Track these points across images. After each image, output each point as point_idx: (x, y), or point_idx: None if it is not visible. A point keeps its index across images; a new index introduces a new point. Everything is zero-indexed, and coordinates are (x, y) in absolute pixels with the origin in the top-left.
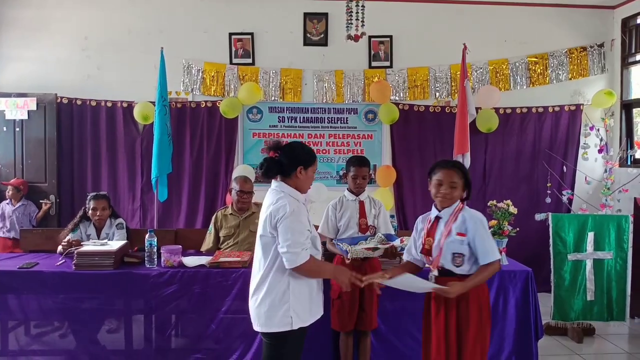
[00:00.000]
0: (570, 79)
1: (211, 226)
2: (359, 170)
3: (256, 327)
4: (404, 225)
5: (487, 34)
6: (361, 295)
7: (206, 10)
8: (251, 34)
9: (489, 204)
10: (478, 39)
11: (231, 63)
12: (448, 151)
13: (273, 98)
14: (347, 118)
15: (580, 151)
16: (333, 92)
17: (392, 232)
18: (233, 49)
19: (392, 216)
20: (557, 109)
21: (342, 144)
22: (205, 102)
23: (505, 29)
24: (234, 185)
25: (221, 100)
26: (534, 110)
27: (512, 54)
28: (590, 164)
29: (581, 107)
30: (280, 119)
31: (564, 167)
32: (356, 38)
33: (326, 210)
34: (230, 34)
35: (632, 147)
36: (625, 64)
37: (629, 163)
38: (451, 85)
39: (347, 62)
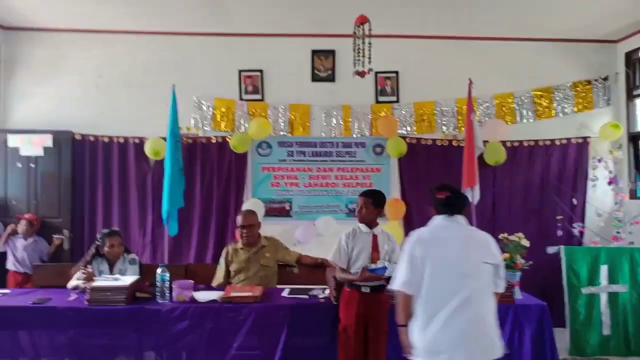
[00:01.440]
0: (576, 112)
1: (222, 260)
2: (359, 199)
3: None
4: None
5: (492, 69)
6: (366, 332)
7: (216, 48)
8: (260, 70)
9: (499, 236)
10: (483, 74)
11: (241, 99)
12: (456, 184)
13: (282, 133)
14: (355, 152)
15: (590, 184)
16: (341, 127)
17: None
18: (243, 85)
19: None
20: (564, 141)
21: (351, 178)
22: (216, 137)
23: (510, 64)
24: (237, 220)
25: (231, 136)
26: (541, 143)
27: (517, 87)
28: (600, 196)
29: (588, 139)
30: (289, 153)
31: (574, 200)
32: (363, 74)
33: (339, 239)
34: (240, 71)
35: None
36: (630, 96)
37: (638, 195)
38: (457, 119)
39: (355, 97)
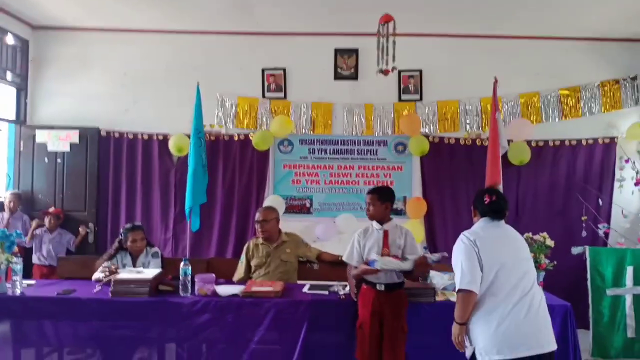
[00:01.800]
0: (604, 111)
1: (243, 256)
2: (366, 198)
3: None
4: None
5: (517, 68)
6: (381, 328)
7: (240, 46)
8: (283, 69)
9: (524, 236)
10: (508, 73)
11: (263, 97)
12: (479, 183)
13: (304, 131)
14: (376, 150)
15: (616, 184)
16: (363, 125)
17: (435, 255)
18: (265, 83)
19: (425, 248)
20: (590, 141)
21: (372, 175)
22: (238, 134)
23: (536, 63)
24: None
25: (254, 133)
26: (567, 142)
27: (543, 87)
28: (627, 197)
29: (615, 139)
30: (311, 150)
31: (600, 200)
32: (387, 72)
33: (352, 238)
34: (263, 69)
35: None
36: None
37: None
38: (482, 118)
39: (377, 95)
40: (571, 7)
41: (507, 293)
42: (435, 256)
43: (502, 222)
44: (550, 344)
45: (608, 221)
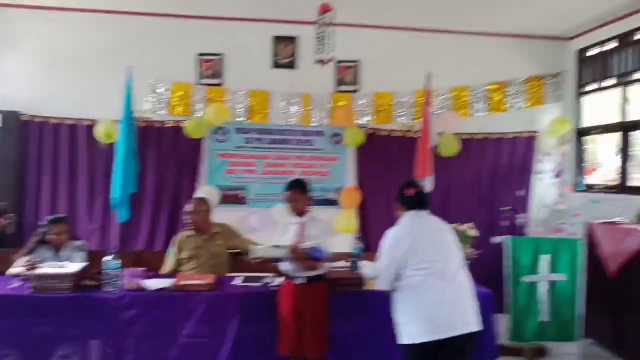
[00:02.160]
0: (527, 106)
1: (172, 248)
2: (285, 194)
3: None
4: (367, 247)
5: (450, 61)
6: (303, 317)
7: (175, 30)
8: (220, 54)
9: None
10: (442, 66)
11: (199, 83)
12: (411, 174)
13: (240, 119)
14: (313, 140)
15: (536, 177)
16: (300, 115)
17: (323, 248)
18: (201, 69)
19: (359, 238)
20: (514, 135)
21: (309, 166)
22: (171, 121)
23: (468, 57)
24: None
25: (187, 120)
26: (492, 136)
27: (472, 81)
28: (545, 189)
29: (537, 134)
30: (247, 140)
31: (520, 192)
32: (325, 62)
33: (274, 233)
34: (199, 55)
35: (584, 173)
36: (579, 93)
37: (581, 187)
38: (415, 110)
39: (315, 85)
40: (501, 5)
41: (434, 279)
42: (319, 250)
43: (427, 212)
44: (475, 325)
45: (527, 212)
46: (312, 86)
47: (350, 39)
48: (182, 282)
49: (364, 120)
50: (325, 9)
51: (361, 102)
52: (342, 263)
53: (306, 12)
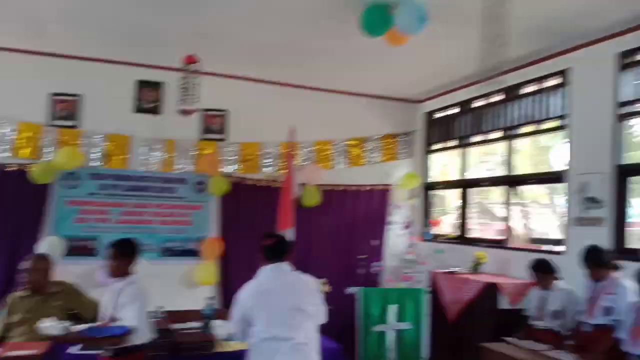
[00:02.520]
0: (382, 161)
1: (2, 311)
2: (106, 252)
3: None
4: (228, 303)
5: (315, 116)
6: None
7: (25, 67)
8: (78, 95)
9: None
10: (306, 120)
11: (51, 125)
12: (275, 225)
13: (96, 164)
14: (176, 188)
15: (389, 227)
16: (163, 161)
17: (123, 324)
18: (55, 109)
19: (211, 297)
20: (370, 188)
21: (170, 215)
22: (15, 165)
23: (330, 114)
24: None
25: (34, 164)
26: (351, 188)
27: (335, 135)
28: (397, 239)
29: (391, 187)
30: (102, 186)
31: (374, 241)
32: (189, 113)
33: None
34: (53, 94)
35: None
36: (427, 151)
37: (428, 238)
38: (280, 161)
39: (180, 132)
40: (362, 69)
41: (277, 344)
42: (97, 330)
43: (287, 268)
44: None
45: (381, 260)
46: (176, 132)
47: (218, 88)
48: (8, 353)
49: (229, 169)
50: (190, 60)
51: (228, 151)
52: (193, 324)
53: (173, 58)
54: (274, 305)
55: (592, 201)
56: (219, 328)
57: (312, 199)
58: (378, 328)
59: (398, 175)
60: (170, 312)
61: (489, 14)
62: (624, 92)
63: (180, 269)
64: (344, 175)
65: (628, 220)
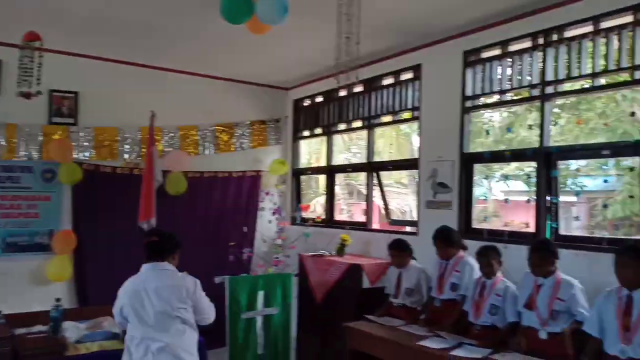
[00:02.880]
0: (252, 147)
1: None
2: None
3: None
4: (84, 300)
5: (179, 100)
6: None
7: None
8: None
9: None
10: (170, 104)
11: None
12: (135, 215)
13: None
14: (19, 177)
15: (259, 213)
16: (3, 148)
17: None
18: None
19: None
20: (240, 174)
21: (12, 207)
22: None
23: (197, 97)
24: None
25: None
26: (220, 174)
27: (201, 121)
28: (267, 224)
29: (260, 173)
30: None
31: (244, 228)
32: (29, 96)
33: None
34: None
35: (300, 210)
36: (296, 137)
37: (298, 222)
38: (141, 147)
39: (24, 115)
40: (228, 53)
41: (145, 343)
42: None
43: (167, 267)
44: None
45: (252, 246)
46: (19, 116)
47: (67, 68)
48: None
49: (82, 155)
50: (31, 37)
51: (80, 136)
52: (40, 327)
53: (14, 34)
54: (146, 307)
55: (442, 186)
56: (70, 330)
57: (178, 187)
58: (246, 315)
59: (268, 161)
60: (12, 315)
61: (344, 12)
62: (469, 87)
63: (29, 265)
64: (213, 161)
65: (473, 203)
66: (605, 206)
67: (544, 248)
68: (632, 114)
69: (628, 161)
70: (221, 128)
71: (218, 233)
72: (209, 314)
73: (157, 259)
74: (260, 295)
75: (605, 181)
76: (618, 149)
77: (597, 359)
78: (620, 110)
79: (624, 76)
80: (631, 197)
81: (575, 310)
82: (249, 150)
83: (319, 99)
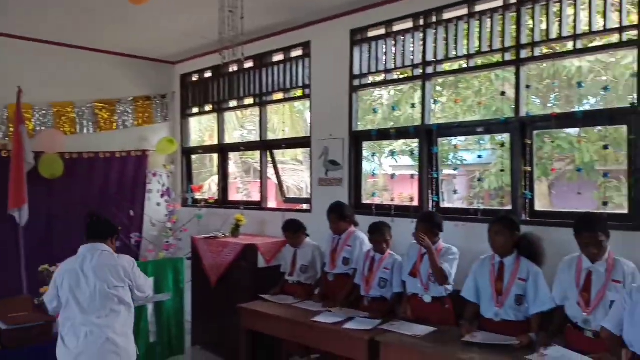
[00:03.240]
0: (137, 125)
1: None
2: None
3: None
4: None
5: (50, 75)
6: None
7: None
8: None
9: (40, 269)
10: (41, 79)
11: None
12: (4, 200)
13: None
14: None
15: (147, 195)
16: None
17: None
18: None
19: None
20: (124, 154)
21: None
22: None
23: (71, 72)
24: None
25: None
26: (101, 155)
27: (78, 97)
28: (156, 207)
29: (147, 153)
30: None
31: (131, 211)
32: None
33: None
34: None
35: (191, 191)
36: (185, 115)
37: (190, 204)
38: (8, 127)
39: None
40: (111, 23)
41: (82, 322)
42: None
43: (102, 248)
44: None
45: (140, 231)
46: None
47: None
48: None
49: None
50: None
51: None
52: None
53: None
54: (81, 286)
55: (333, 164)
56: None
57: (53, 169)
58: (135, 303)
59: (155, 140)
60: None
61: None
62: (356, 66)
63: None
64: (93, 141)
65: (363, 179)
66: (480, 180)
67: (428, 221)
68: (503, 93)
69: (500, 136)
70: (101, 105)
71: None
72: (146, 290)
73: (97, 240)
74: (150, 281)
75: (480, 156)
76: (490, 127)
77: (475, 322)
78: (494, 89)
79: (497, 57)
80: (502, 170)
81: (448, 273)
82: (134, 128)
83: (208, 74)
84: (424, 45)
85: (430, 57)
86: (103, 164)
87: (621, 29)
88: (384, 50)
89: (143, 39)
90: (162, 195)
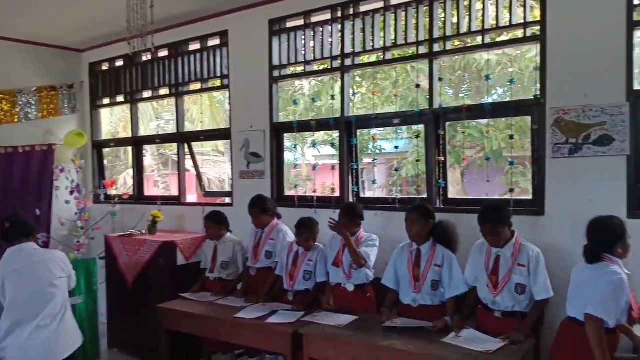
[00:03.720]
0: (41, 117)
1: None
2: None
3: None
4: None
5: None
6: None
7: None
8: None
9: None
10: None
11: None
12: None
13: None
14: None
15: (54, 192)
16: None
17: None
18: None
19: None
20: (28, 148)
21: None
22: None
23: None
24: None
25: None
26: (2, 150)
27: None
28: (65, 204)
29: (54, 147)
30: None
31: (39, 210)
32: None
33: None
34: None
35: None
36: (95, 106)
37: (102, 200)
38: None
39: None
40: (8, 7)
41: (26, 316)
42: None
43: (31, 247)
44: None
45: (48, 230)
46: None
47: None
48: None
49: None
50: None
51: None
52: None
53: None
54: (18, 287)
55: (255, 156)
56: None
57: None
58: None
59: (62, 133)
60: None
61: None
62: (275, 56)
63: None
64: None
65: (285, 171)
66: (396, 169)
67: (350, 213)
68: (418, 85)
69: (416, 127)
70: (0, 96)
71: (3, 218)
72: (74, 283)
73: (24, 240)
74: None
75: (396, 147)
76: (406, 118)
77: (395, 309)
78: (410, 81)
79: (412, 50)
80: (417, 160)
81: (366, 255)
82: (38, 121)
83: (119, 63)
84: (342, 37)
85: (348, 49)
86: (5, 159)
87: (525, 25)
88: (303, 42)
89: (46, 25)
90: (72, 192)
